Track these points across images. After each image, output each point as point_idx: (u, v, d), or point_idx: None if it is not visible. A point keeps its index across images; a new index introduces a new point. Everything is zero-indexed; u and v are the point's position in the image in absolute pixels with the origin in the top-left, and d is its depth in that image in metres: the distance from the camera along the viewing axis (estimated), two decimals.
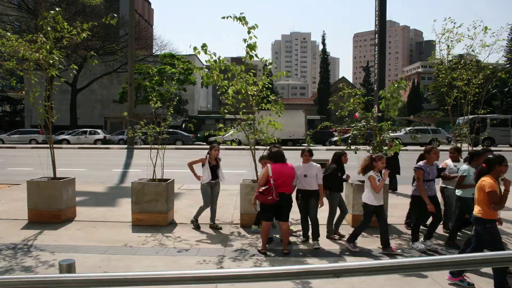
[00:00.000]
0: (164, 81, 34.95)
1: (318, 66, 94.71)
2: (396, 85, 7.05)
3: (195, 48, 6.57)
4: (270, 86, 7.04)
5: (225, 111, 7.28)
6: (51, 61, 6.91)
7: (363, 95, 7.37)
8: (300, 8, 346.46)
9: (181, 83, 37.42)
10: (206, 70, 6.98)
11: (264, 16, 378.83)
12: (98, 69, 41.13)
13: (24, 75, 7.12)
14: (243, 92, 6.84)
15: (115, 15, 7.22)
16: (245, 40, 6.50)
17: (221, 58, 6.75)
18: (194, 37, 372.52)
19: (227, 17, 6.44)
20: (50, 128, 7.48)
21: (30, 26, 31.41)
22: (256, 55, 6.70)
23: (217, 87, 7.20)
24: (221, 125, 7.37)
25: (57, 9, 6.93)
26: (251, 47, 6.52)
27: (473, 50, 7.21)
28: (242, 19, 6.42)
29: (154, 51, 45.66)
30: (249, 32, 6.44)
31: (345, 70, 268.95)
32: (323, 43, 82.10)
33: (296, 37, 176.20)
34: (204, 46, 6.57)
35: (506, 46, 50.04)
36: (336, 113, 7.86)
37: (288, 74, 8.44)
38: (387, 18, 11.06)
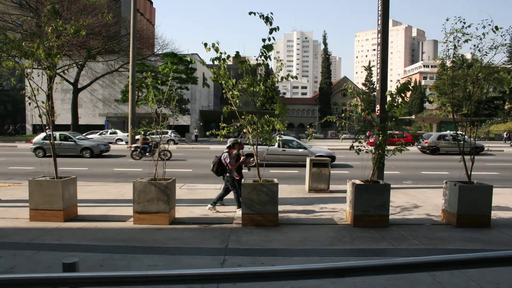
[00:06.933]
0: (166, 80, 34.97)
1: (320, 65, 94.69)
2: (402, 87, 7.04)
3: (205, 45, 6.60)
4: (273, 87, 7.01)
5: (227, 110, 7.28)
6: (50, 61, 6.92)
7: (365, 93, 7.38)
8: (301, 7, 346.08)
9: (183, 82, 37.44)
10: (215, 68, 7.02)
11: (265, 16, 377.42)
12: (99, 68, 41.24)
13: (24, 75, 7.12)
14: (251, 90, 6.81)
15: (111, 13, 7.30)
16: (264, 40, 6.37)
17: (229, 56, 6.77)
18: (196, 36, 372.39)
19: (254, 13, 6.28)
20: (51, 128, 7.49)
21: (32, 25, 31.44)
22: (269, 56, 6.70)
23: (222, 86, 7.17)
24: (224, 125, 7.39)
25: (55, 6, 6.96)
26: (268, 48, 6.45)
27: (479, 50, 7.14)
28: (268, 19, 6.25)
29: (155, 50, 45.67)
30: (270, 33, 6.28)
31: (347, 69, 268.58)
32: (325, 43, 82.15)
33: (298, 36, 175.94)
34: (214, 44, 6.62)
35: (509, 46, 49.93)
36: (342, 115, 7.85)
37: (292, 76, 8.38)
38: (390, 18, 11.02)
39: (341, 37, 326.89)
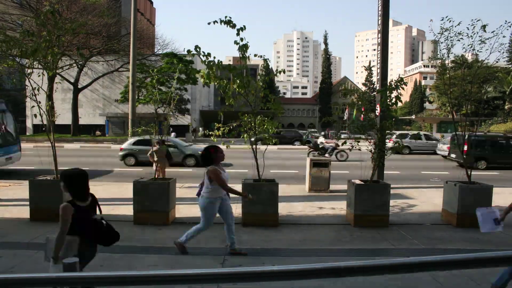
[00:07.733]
0: (165, 80, 34.95)
1: (320, 65, 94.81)
2: (394, 85, 7.04)
3: (189, 51, 6.69)
4: (265, 86, 6.98)
5: (221, 112, 7.29)
6: (49, 60, 6.92)
7: (364, 93, 7.39)
8: (301, 7, 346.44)
9: (182, 82, 37.39)
10: (206, 70, 6.98)
11: (265, 16, 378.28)
12: (99, 68, 41.23)
13: (24, 74, 7.11)
14: (242, 91, 6.82)
15: (115, 13, 7.30)
16: (236, 42, 6.53)
17: (216, 59, 6.71)
18: (196, 36, 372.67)
19: (214, 22, 6.46)
20: (51, 128, 7.48)
21: (32, 25, 31.42)
22: (248, 57, 6.73)
23: (216, 87, 7.19)
24: (219, 125, 7.38)
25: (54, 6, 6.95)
26: (243, 48, 6.56)
27: (473, 49, 7.12)
28: (228, 22, 6.41)
29: (156, 50, 45.65)
30: (238, 34, 6.44)
31: (347, 69, 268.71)
32: (325, 43, 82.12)
33: (298, 36, 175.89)
34: (197, 47, 6.61)
35: (508, 46, 49.85)
36: (334, 112, 7.87)
37: (284, 71, 8.34)
38: (390, 18, 11.02)
39: (341, 37, 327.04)
